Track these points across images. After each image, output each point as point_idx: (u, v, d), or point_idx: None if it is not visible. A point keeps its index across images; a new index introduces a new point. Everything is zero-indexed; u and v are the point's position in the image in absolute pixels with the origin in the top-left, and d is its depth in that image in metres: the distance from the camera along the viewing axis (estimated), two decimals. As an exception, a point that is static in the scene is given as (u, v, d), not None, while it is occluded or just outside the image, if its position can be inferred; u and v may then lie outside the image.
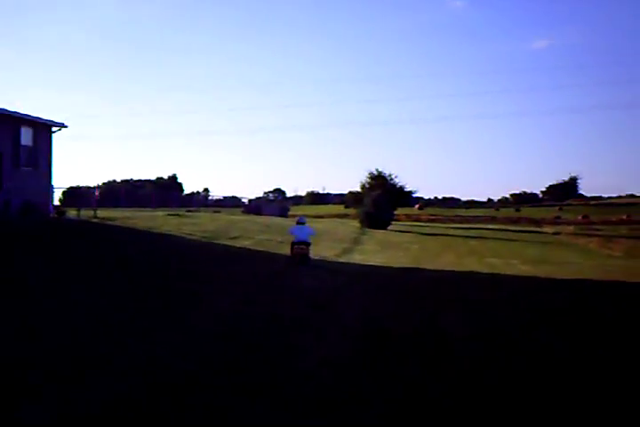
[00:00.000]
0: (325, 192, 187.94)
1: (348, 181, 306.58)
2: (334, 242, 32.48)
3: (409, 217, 78.27)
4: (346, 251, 28.02)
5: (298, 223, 22.70)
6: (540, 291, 16.99)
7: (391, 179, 57.04)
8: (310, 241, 21.85)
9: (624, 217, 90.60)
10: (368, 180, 57.24)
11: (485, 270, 21.82)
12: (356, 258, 24.67)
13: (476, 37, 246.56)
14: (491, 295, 15.48)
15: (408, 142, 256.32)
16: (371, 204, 49.68)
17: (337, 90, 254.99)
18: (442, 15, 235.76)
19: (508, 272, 21.45)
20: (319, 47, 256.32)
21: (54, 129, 31.98)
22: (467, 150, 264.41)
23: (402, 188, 56.84)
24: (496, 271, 21.64)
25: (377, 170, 57.69)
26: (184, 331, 9.89)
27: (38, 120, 30.44)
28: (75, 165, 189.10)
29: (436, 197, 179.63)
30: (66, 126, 32.19)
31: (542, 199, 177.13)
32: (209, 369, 7.86)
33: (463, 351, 9.38)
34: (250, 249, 24.91)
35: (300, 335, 10.01)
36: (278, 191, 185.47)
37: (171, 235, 26.19)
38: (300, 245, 21.29)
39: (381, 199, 50.16)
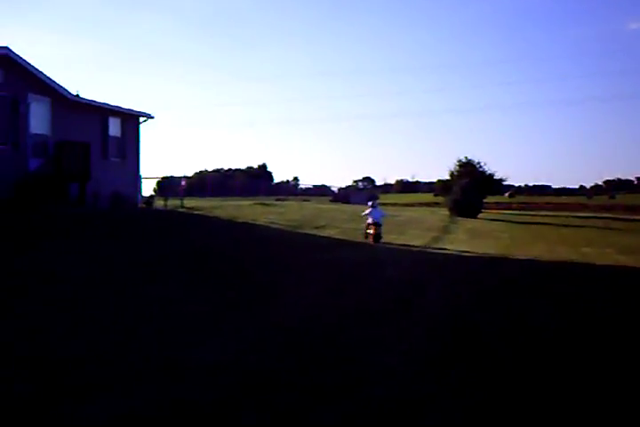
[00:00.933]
0: (415, 180, 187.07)
1: (438, 169, 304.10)
2: (423, 231, 32.09)
3: (499, 205, 77.06)
4: (434, 240, 27.66)
5: (371, 207, 25.45)
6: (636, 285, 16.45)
7: (480, 166, 56.01)
8: (382, 222, 24.83)
9: None
10: (457, 167, 56.38)
11: (579, 260, 21.20)
12: (446, 247, 24.31)
13: (565, 20, 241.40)
14: (585, 288, 15.10)
15: (498, 129, 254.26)
16: (459, 192, 48.97)
17: (428, 78, 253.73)
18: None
19: (602, 262, 20.79)
20: (410, 36, 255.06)
21: (142, 119, 32.53)
22: (557, 136, 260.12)
23: (491, 175, 55.81)
24: (589, 261, 21.00)
25: (466, 157, 56.80)
26: (262, 325, 9.82)
27: (125, 111, 30.97)
28: (167, 155, 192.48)
29: (526, 185, 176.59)
30: (152, 117, 32.70)
31: (637, 186, 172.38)
32: (287, 368, 7.63)
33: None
34: (334, 238, 24.83)
35: (380, 330, 9.86)
36: (367, 180, 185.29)
37: (254, 224, 26.34)
38: (375, 226, 24.31)
39: (470, 187, 49.39)
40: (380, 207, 26.65)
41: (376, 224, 24.51)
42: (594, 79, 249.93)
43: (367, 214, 25.34)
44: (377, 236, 24.26)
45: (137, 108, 31.78)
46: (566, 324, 10.70)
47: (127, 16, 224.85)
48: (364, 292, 13.27)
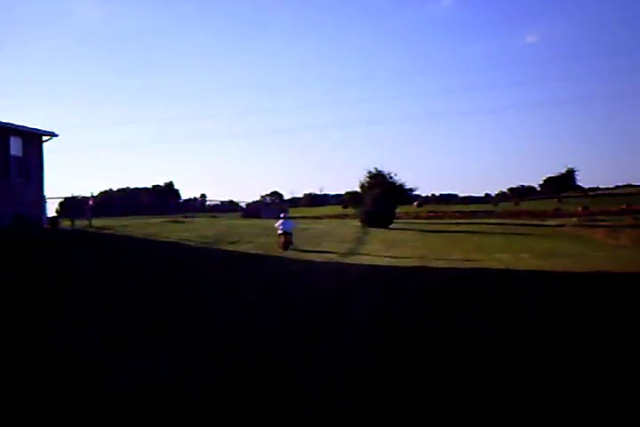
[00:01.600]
0: (323, 193, 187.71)
1: (346, 181, 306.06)
2: (337, 243, 31.76)
3: (408, 215, 77.74)
4: (350, 251, 27.27)
5: (283, 218, 29.07)
6: (565, 286, 16.24)
7: (390, 177, 56.16)
8: (291, 231, 28.30)
9: (624, 206, 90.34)
10: (367, 179, 56.37)
11: (498, 266, 21.04)
12: (362, 258, 23.92)
13: (467, 34, 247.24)
14: (512, 292, 14.83)
15: (402, 141, 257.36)
16: (371, 202, 48.95)
17: (330, 91, 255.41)
18: (433, 14, 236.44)
19: (521, 267, 20.69)
20: (312, 49, 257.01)
21: (45, 138, 31.06)
22: (461, 146, 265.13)
23: (402, 185, 56.01)
24: (507, 267, 20.84)
25: (375, 169, 56.85)
26: (187, 347, 9.19)
27: (27, 129, 29.53)
28: (70, 175, 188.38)
29: (433, 194, 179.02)
30: (56, 135, 31.30)
31: (540, 192, 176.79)
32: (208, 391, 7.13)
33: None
34: (250, 253, 24.19)
35: (317, 348, 9.27)
36: (275, 194, 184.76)
37: (169, 242, 25.51)
38: (285, 235, 27.67)
39: (382, 197, 49.43)
40: (291, 220, 30.33)
41: (286, 233, 27.87)
42: (498, 90, 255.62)
43: (279, 225, 28.46)
44: (287, 242, 27.35)
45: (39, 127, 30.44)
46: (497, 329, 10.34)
47: (25, 34, 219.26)
48: (293, 306, 12.70)
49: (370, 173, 56.83)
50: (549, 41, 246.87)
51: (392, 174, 56.30)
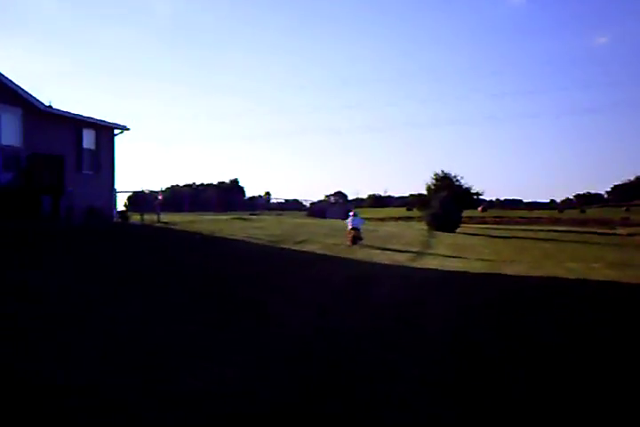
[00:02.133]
0: (387, 195, 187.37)
1: (410, 183, 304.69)
2: (404, 246, 31.58)
3: (472, 219, 77.03)
4: (418, 255, 27.09)
5: (352, 216, 31.62)
6: (627, 298, 15.89)
7: (457, 180, 55.88)
8: (360, 227, 30.82)
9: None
10: (434, 181, 56.13)
11: (569, 276, 20.68)
12: (431, 263, 23.66)
13: (535, 35, 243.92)
14: (584, 305, 14.50)
15: (467, 143, 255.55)
16: (438, 206, 48.70)
17: (396, 91, 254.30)
18: (501, 12, 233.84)
19: (593, 277, 20.27)
20: (382, 47, 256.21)
21: (116, 132, 31.55)
22: (527, 150, 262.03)
23: (468, 189, 55.66)
24: (579, 277, 20.46)
25: (442, 171, 56.60)
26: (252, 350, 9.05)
27: (100, 123, 29.99)
28: (138, 169, 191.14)
29: (497, 199, 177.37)
30: (128, 129, 31.69)
31: (607, 200, 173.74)
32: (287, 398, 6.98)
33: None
34: (318, 254, 24.17)
35: (388, 356, 9.16)
36: (340, 194, 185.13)
37: (236, 239, 25.64)
38: (354, 230, 30.21)
39: (449, 201, 49.18)
40: (359, 216, 32.44)
41: (355, 229, 30.38)
42: (567, 92, 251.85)
43: (349, 221, 31.11)
44: (355, 237, 29.74)
45: (111, 120, 30.92)
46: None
47: (98, 31, 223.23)
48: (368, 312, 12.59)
49: (437, 175, 56.63)
50: (620, 43, 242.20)
51: (459, 178, 56.06)
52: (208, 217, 37.39)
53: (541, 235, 48.49)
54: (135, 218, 31.71)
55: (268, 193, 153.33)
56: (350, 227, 30.75)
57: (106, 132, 30.89)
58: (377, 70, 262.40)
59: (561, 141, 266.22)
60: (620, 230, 57.52)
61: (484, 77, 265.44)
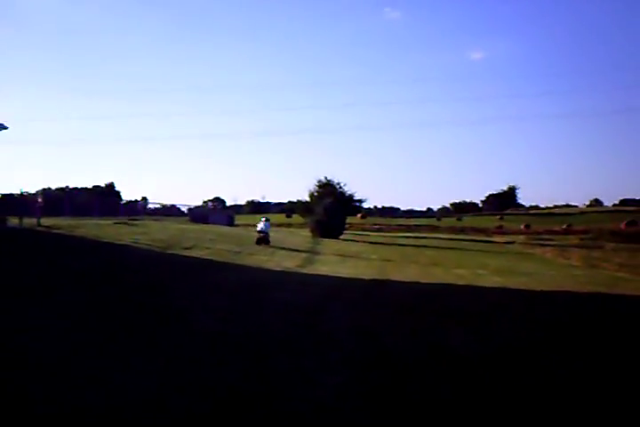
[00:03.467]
0: (265, 201, 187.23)
1: (287, 190, 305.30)
2: (291, 252, 31.38)
3: (353, 226, 77.68)
4: (307, 261, 26.87)
5: (264, 221, 36.24)
6: (531, 304, 16.05)
7: (340, 187, 56.05)
8: (267, 231, 35.86)
9: (564, 226, 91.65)
10: (317, 188, 56.14)
11: (459, 282, 20.86)
12: (321, 269, 23.49)
13: (414, 47, 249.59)
14: (487, 311, 14.52)
15: (344, 151, 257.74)
16: (322, 212, 48.70)
17: (273, 97, 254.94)
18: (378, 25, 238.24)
19: (482, 284, 20.50)
20: (259, 54, 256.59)
21: (-7, 130, 29.80)
22: (404, 159, 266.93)
23: (351, 196, 55.92)
24: (470, 283, 20.68)
25: (325, 178, 56.69)
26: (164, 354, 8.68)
27: (-26, 119, 28.23)
28: (9, 170, 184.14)
29: (375, 207, 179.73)
30: (6, 127, 29.95)
31: (482, 208, 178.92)
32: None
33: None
34: (207, 259, 23.59)
35: (292, 358, 8.84)
36: (218, 200, 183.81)
37: (124, 244, 24.79)
38: (261, 233, 35.28)
39: (333, 208, 49.23)
40: (268, 222, 36.87)
41: (262, 232, 35.35)
42: (443, 104, 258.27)
43: (260, 225, 36.03)
44: (262, 239, 34.57)
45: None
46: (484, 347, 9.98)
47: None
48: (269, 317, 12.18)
49: (319, 182, 56.66)
50: (495, 58, 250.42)
51: (341, 184, 56.25)
52: (90, 221, 36.05)
53: (423, 242, 49.26)
54: (13, 222, 30.13)
55: (144, 198, 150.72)
56: (258, 229, 35.92)
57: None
58: (260, 76, 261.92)
59: (437, 151, 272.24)
60: (497, 238, 59.05)
61: (367, 87, 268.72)
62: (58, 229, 27.61)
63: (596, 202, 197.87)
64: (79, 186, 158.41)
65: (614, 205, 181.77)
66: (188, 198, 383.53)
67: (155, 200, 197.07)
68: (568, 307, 15.81)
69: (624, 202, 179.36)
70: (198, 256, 24.17)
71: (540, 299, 17.38)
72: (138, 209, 79.77)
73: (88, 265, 17.92)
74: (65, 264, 17.59)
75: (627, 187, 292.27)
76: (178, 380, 7.59)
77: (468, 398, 7.45)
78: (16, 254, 18.65)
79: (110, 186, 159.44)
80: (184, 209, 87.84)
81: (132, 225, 36.19)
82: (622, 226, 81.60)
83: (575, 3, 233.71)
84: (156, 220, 54.50)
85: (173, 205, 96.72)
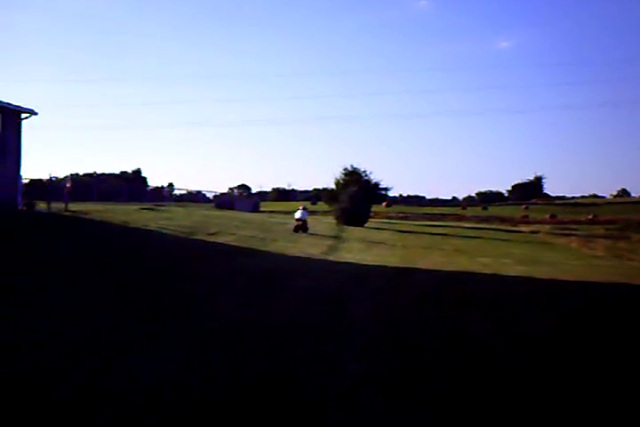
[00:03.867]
0: (291, 188, 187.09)
1: (313, 177, 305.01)
2: (316, 239, 31.47)
3: (378, 214, 77.53)
4: (331, 249, 26.93)
5: (302, 209, 36.81)
6: (554, 294, 16.03)
7: (365, 175, 55.93)
8: (305, 219, 35.79)
9: (590, 217, 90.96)
10: (342, 176, 56.07)
11: (484, 271, 20.88)
12: (346, 256, 23.54)
13: (442, 36, 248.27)
14: (511, 299, 14.53)
15: (370, 140, 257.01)
16: (348, 200, 48.66)
17: (299, 85, 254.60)
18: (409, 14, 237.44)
19: (508, 272, 20.50)
20: (286, 42, 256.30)
21: (24, 116, 30.00)
22: (430, 148, 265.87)
23: (377, 184, 55.80)
24: (495, 272, 20.69)
25: (351, 166, 56.59)
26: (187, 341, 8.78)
27: (6, 106, 28.48)
28: (41, 156, 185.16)
29: (400, 195, 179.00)
30: (36, 113, 30.00)
31: (508, 198, 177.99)
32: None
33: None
34: (232, 245, 23.72)
35: (321, 348, 8.87)
36: (244, 187, 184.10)
37: (150, 230, 24.98)
38: (299, 220, 35.33)
39: (358, 196, 49.20)
40: (305, 211, 37.15)
41: (300, 220, 35.41)
42: (471, 93, 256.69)
43: (297, 213, 36.27)
44: (299, 226, 34.92)
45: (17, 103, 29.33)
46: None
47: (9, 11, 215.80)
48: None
49: (345, 170, 56.57)
50: (523, 47, 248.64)
51: (367, 172, 56.13)
52: (117, 207, 36.37)
53: (448, 230, 49.03)
54: (41, 206, 30.45)
55: (171, 184, 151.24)
56: (297, 217, 35.82)
57: (12, 116, 29.30)
58: (282, 65, 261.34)
59: (463, 140, 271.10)
60: (522, 228, 58.73)
61: (393, 75, 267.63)
62: (85, 213, 27.86)
63: (624, 192, 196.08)
64: (107, 172, 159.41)
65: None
66: (214, 185, 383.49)
67: (181, 186, 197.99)
68: (591, 297, 15.75)
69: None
70: (223, 242, 24.30)
71: (563, 288, 17.33)
72: (164, 195, 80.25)
73: (114, 250, 18.10)
74: (91, 249, 17.78)
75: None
76: (196, 366, 7.66)
77: (485, 384, 7.48)
78: (42, 239, 18.87)
79: (137, 172, 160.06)
80: (210, 196, 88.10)
81: (158, 211, 36.45)
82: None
83: None
84: (181, 206, 54.80)
85: (199, 192, 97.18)
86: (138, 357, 7.83)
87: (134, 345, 8.39)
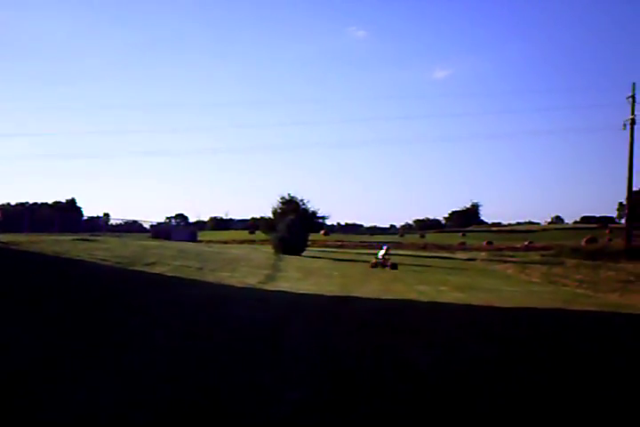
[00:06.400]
0: (228, 218, 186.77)
1: (251, 206, 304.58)
2: (253, 268, 31.31)
3: (315, 243, 77.65)
4: (269, 278, 26.81)
5: (385, 248, 39.64)
6: (491, 321, 16.18)
7: (303, 204, 56.10)
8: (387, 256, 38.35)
9: (526, 243, 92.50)
10: (280, 204, 56.15)
11: (421, 298, 20.97)
12: (284, 285, 23.47)
13: (379, 66, 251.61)
14: (448, 327, 14.60)
15: (308, 168, 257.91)
16: (285, 229, 48.70)
17: (237, 114, 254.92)
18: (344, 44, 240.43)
19: (445, 300, 20.65)
20: (224, 72, 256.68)
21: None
22: (367, 176, 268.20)
23: (314, 213, 55.99)
24: (432, 299, 20.78)
25: (289, 194, 56.72)
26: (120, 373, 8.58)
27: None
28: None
29: (338, 223, 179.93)
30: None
31: (445, 225, 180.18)
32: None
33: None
34: (169, 276, 23.42)
35: (259, 377, 8.76)
36: (181, 216, 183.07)
37: (84, 260, 24.55)
38: (384, 257, 38.12)
39: (296, 224, 49.25)
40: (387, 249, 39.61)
41: (384, 257, 38.11)
42: (407, 121, 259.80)
43: (380, 252, 38.94)
44: (383, 263, 37.40)
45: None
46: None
47: None
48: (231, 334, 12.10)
49: (283, 198, 56.67)
50: (459, 76, 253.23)
51: (305, 201, 56.31)
52: (49, 237, 35.68)
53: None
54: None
55: (106, 214, 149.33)
56: (382, 254, 38.38)
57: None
58: (220, 94, 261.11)
59: (400, 168, 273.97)
60: (459, 255, 59.37)
61: (330, 104, 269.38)
62: (16, 244, 27.28)
63: (557, 219, 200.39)
64: (40, 201, 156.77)
65: (575, 222, 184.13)
66: (151, 215, 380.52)
67: (117, 216, 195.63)
68: (527, 323, 15.95)
69: (585, 219, 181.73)
70: (160, 273, 24.01)
71: (499, 315, 17.50)
72: (99, 225, 79.30)
73: (43, 281, 17.68)
74: (20, 281, 17.35)
75: (587, 204, 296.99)
76: (125, 397, 7.50)
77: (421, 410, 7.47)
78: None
79: (72, 202, 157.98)
80: (146, 226, 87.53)
81: (93, 241, 35.91)
82: (583, 243, 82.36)
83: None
84: (117, 236, 54.19)
85: (136, 222, 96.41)
86: (68, 388, 7.64)
87: (65, 377, 8.18)
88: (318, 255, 49.57)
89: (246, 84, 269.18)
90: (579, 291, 27.30)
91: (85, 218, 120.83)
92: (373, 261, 38.23)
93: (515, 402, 8.01)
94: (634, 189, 60.19)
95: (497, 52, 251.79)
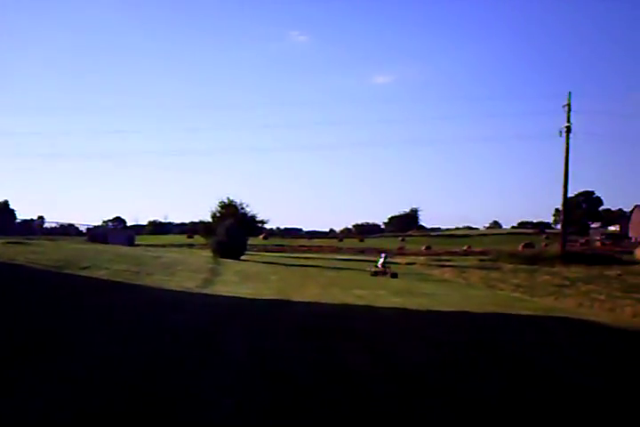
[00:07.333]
0: (167, 221, 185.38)
1: (190, 210, 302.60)
2: (191, 272, 31.08)
3: (254, 246, 77.60)
4: (207, 282, 26.68)
5: (384, 255, 40.36)
6: (427, 324, 16.32)
7: (242, 208, 56.06)
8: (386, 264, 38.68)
9: (464, 248, 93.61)
10: (219, 208, 55.97)
11: (358, 302, 21.05)
12: (222, 290, 23.37)
13: (320, 71, 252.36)
14: (384, 331, 14.69)
15: (248, 173, 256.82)
16: (224, 233, 48.54)
17: (176, 118, 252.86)
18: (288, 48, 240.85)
19: (383, 304, 20.74)
20: (167, 75, 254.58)
21: None
22: (307, 181, 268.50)
23: (253, 217, 55.98)
24: (369, 303, 20.87)
25: (228, 198, 56.60)
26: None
27: None
28: None
29: (277, 228, 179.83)
30: None
31: (384, 230, 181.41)
32: None
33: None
34: (105, 280, 23.13)
35: (194, 382, 8.71)
36: (118, 220, 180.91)
37: (16, 264, 24.13)
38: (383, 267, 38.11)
39: (235, 228, 49.15)
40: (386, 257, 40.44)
41: (384, 265, 38.32)
42: (345, 126, 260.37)
43: (380, 260, 39.16)
44: (380, 272, 37.49)
45: None
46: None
47: None
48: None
49: (222, 202, 56.55)
50: (399, 82, 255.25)
51: (244, 205, 56.29)
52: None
53: (324, 263, 49.57)
54: None
55: (41, 217, 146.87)
56: (381, 262, 38.65)
57: None
58: (162, 97, 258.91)
59: (340, 173, 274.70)
60: (399, 259, 59.77)
61: (270, 109, 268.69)
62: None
63: (496, 224, 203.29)
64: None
65: (513, 227, 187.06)
66: (88, 218, 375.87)
67: (52, 219, 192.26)
68: (463, 326, 16.13)
69: (522, 224, 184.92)
70: (96, 277, 23.69)
71: (436, 319, 17.67)
72: (34, 228, 78.04)
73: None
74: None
75: (525, 210, 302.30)
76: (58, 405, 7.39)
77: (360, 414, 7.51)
78: None
79: (4, 204, 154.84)
80: (83, 229, 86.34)
81: (27, 244, 35.31)
82: (520, 248, 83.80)
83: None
84: (52, 239, 53.37)
85: (71, 225, 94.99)
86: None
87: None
88: (257, 259, 49.54)
89: (185, 87, 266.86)
90: (515, 295, 27.67)
91: (19, 221, 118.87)
92: (373, 269, 38.29)
93: (445, 402, 8.13)
94: (569, 195, 61.44)
95: (437, 59, 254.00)
